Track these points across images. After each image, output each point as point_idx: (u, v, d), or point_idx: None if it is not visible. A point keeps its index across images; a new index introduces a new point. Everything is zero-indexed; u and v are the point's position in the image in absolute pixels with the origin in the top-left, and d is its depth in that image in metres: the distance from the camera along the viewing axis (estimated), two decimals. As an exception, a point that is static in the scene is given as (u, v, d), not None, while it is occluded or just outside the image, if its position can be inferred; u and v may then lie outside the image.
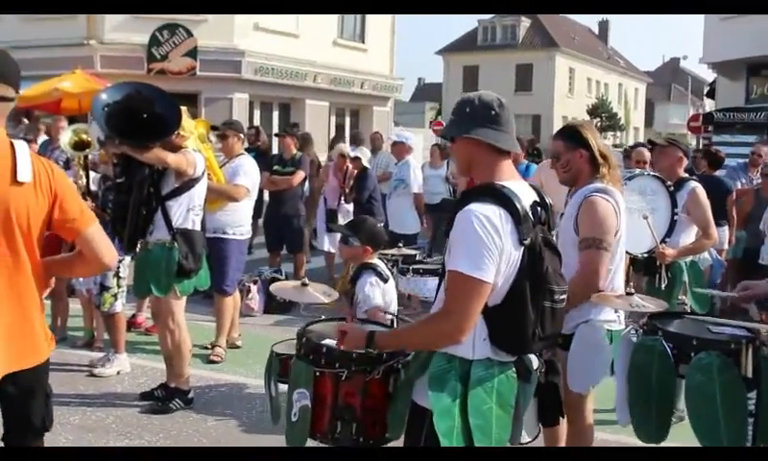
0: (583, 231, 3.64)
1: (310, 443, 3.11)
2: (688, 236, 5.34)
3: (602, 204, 3.64)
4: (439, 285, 2.79)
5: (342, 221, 9.32)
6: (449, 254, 2.58)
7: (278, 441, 4.08)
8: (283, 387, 3.82)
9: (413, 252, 6.80)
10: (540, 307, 2.61)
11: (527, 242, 2.56)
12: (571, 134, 3.86)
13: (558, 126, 43.42)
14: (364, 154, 9.80)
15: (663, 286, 5.09)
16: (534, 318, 2.59)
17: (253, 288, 8.33)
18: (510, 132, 2.72)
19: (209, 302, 7.42)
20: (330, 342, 3.17)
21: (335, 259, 9.81)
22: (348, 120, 26.77)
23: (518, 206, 2.56)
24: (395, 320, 3.94)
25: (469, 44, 55.40)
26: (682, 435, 3.54)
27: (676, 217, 5.12)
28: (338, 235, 9.26)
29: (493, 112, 2.68)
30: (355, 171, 9.36)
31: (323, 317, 3.70)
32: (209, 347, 6.65)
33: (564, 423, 3.71)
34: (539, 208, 2.68)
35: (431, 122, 34.57)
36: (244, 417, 5.30)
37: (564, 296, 2.71)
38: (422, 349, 2.69)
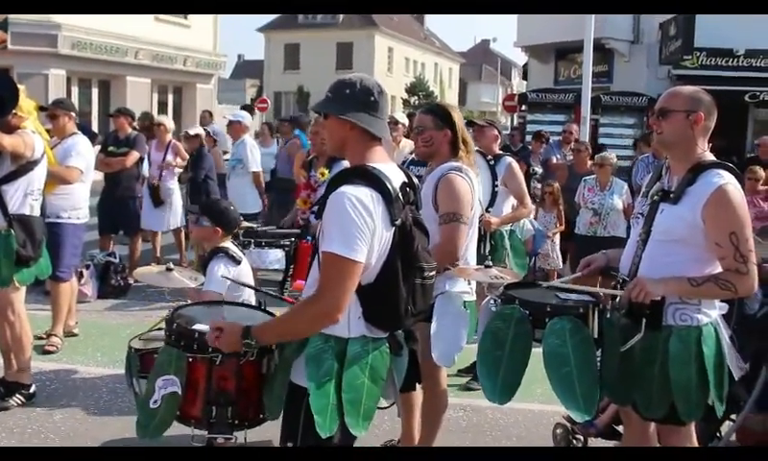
0: (442, 207, 3.87)
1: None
2: (506, 207, 5.89)
3: (458, 181, 3.90)
4: (309, 268, 2.84)
5: (165, 198, 9.18)
6: (322, 236, 2.63)
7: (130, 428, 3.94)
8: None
9: (253, 225, 6.80)
10: (412, 284, 2.72)
11: (398, 222, 2.65)
12: (442, 114, 4.08)
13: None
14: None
15: (487, 252, 5.48)
16: (406, 295, 2.70)
17: (86, 273, 7.98)
18: (384, 118, 2.81)
19: (38, 289, 7.04)
20: (201, 327, 3.15)
21: (159, 238, 9.61)
22: (170, 98, 25.90)
23: (389, 187, 2.64)
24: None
25: (291, 22, 55.00)
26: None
27: (497, 189, 5.59)
28: (165, 214, 9.23)
29: (372, 99, 2.74)
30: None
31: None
32: (44, 336, 6.30)
33: (419, 388, 3.91)
34: (408, 189, 2.77)
35: (254, 100, 34.18)
36: (92, 408, 5.08)
37: (434, 272, 2.85)
38: (302, 334, 2.71)
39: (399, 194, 2.69)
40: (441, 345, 3.81)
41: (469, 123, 6.31)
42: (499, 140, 6.19)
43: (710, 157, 3.25)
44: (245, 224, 6.43)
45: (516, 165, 5.95)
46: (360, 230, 2.54)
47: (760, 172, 8.18)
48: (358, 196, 2.57)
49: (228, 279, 4.17)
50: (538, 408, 5.07)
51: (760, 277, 3.29)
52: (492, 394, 3.33)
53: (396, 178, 2.74)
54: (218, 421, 3.09)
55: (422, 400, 4.14)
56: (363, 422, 2.71)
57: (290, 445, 2.75)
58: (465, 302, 3.98)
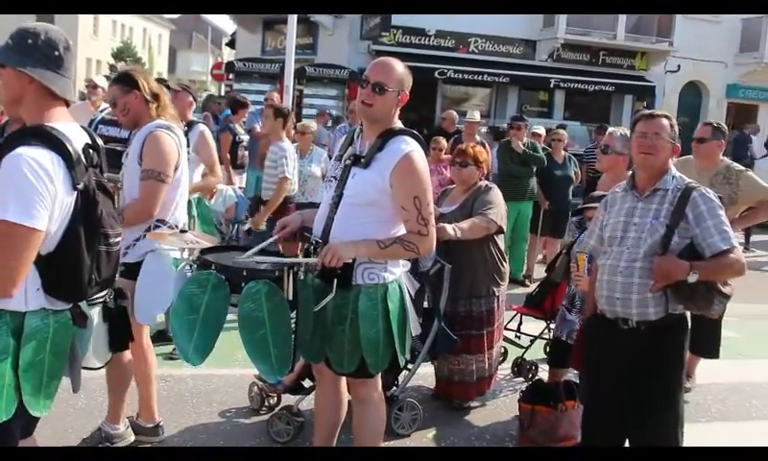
0: (145, 163, 3.82)
1: None
2: (196, 175, 5.72)
3: (164, 138, 3.87)
4: None
5: None
6: None
7: None
8: None
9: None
10: (96, 252, 2.61)
11: (80, 186, 2.51)
12: (124, 79, 4.04)
13: (82, 68, 40.61)
14: None
15: None
16: (90, 263, 2.58)
17: None
18: (70, 77, 2.63)
19: None
20: None
21: None
22: None
23: (70, 149, 2.49)
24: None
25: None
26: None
27: (188, 157, 5.39)
28: None
29: (57, 54, 2.55)
30: None
31: None
32: None
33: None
34: (91, 151, 2.64)
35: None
36: None
37: (120, 238, 2.76)
38: None
39: (82, 156, 2.55)
40: (140, 303, 3.74)
41: (168, 87, 6.12)
42: (194, 106, 6.08)
43: (399, 124, 3.45)
44: None
45: (207, 133, 5.79)
46: (40, 195, 2.37)
47: (443, 142, 8.91)
48: (37, 158, 2.39)
49: None
50: (239, 373, 5.10)
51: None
52: (185, 354, 3.22)
53: (78, 139, 2.59)
54: None
55: (110, 368, 4.02)
56: (45, 400, 2.57)
57: None
58: (175, 259, 3.89)
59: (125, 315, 2.95)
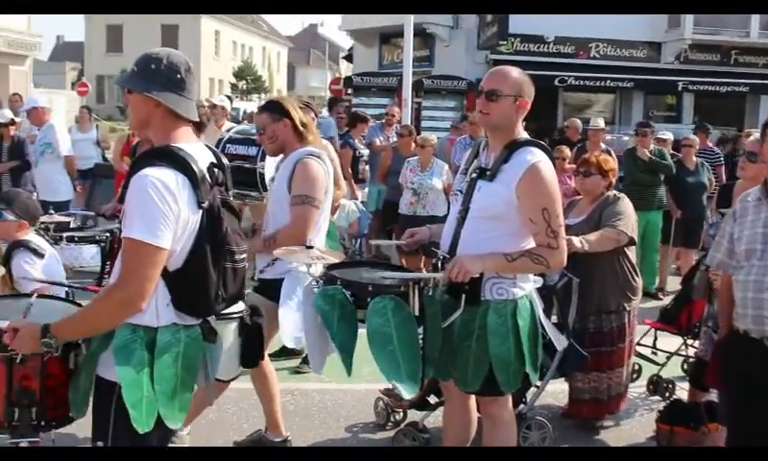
0: (295, 189, 3.91)
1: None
2: None
3: (314, 165, 3.97)
4: (109, 254, 2.68)
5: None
6: (124, 220, 2.50)
7: None
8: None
9: (66, 219, 6.36)
10: (222, 269, 2.63)
11: (205, 205, 2.55)
12: (275, 107, 4.16)
13: (205, 88, 42.01)
14: (3, 117, 8.83)
15: None
16: (216, 280, 2.61)
17: None
18: (192, 99, 2.68)
19: None
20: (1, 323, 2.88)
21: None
22: (-21, 80, 23.86)
23: (195, 168, 2.54)
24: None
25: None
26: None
27: None
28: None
29: (179, 76, 2.61)
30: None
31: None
32: None
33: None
34: (216, 170, 2.68)
35: (74, 83, 32.28)
36: None
37: (245, 255, 2.78)
38: (105, 326, 2.56)
39: (207, 175, 2.60)
40: (287, 325, 3.72)
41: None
42: (315, 122, 6.09)
43: (525, 135, 3.35)
44: (56, 218, 6.01)
45: (330, 147, 5.87)
46: (164, 215, 2.43)
47: (567, 151, 8.69)
48: (162, 179, 2.45)
49: (27, 278, 3.89)
50: (364, 388, 5.10)
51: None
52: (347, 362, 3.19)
53: (202, 158, 2.64)
54: (21, 423, 2.84)
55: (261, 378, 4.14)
56: (179, 413, 2.60)
57: (100, 444, 2.58)
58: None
59: (260, 332, 2.98)
